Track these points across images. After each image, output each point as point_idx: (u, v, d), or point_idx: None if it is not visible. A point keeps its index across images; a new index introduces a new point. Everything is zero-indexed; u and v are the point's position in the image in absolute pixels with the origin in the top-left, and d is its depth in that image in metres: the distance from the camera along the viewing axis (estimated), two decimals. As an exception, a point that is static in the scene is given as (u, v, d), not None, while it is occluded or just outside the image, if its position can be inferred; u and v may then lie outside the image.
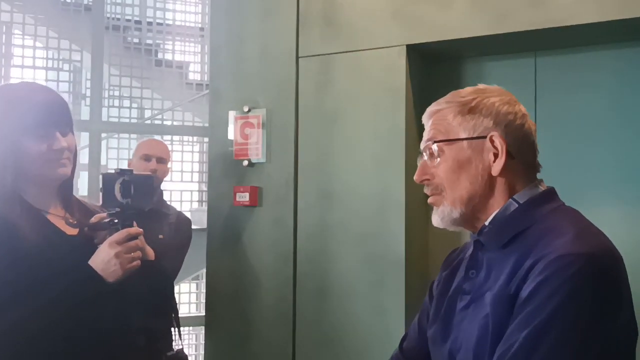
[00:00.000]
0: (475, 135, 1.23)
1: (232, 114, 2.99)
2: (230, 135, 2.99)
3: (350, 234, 2.70)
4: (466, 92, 1.28)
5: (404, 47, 2.62)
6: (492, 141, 1.22)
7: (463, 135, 1.24)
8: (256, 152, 2.92)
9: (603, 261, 1.10)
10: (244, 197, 2.90)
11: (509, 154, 1.21)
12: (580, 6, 2.32)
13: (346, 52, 2.75)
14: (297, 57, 2.86)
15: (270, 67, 2.92)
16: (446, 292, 1.31)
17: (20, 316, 1.48)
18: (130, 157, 3.23)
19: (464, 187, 1.23)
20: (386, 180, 2.61)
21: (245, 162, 2.92)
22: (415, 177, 1.31)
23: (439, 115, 1.28)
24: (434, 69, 2.82)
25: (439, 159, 1.26)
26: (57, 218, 1.65)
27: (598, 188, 2.51)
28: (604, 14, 2.28)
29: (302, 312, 2.79)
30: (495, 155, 1.22)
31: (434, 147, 1.26)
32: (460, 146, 1.24)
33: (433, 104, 1.31)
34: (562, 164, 2.56)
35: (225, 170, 3.00)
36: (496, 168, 1.22)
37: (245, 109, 2.94)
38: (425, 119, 1.31)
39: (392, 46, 2.65)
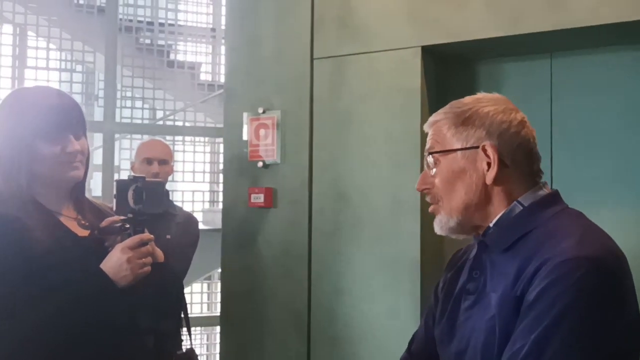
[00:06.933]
0: (468, 146, 1.26)
1: (246, 115, 3.00)
2: (245, 136, 3.00)
3: (365, 236, 2.70)
4: (462, 103, 1.32)
5: (419, 48, 2.62)
6: (484, 151, 1.25)
7: (457, 146, 1.28)
8: (271, 153, 2.93)
9: (608, 264, 1.11)
10: (258, 199, 2.91)
11: (502, 163, 1.24)
12: (596, 7, 2.31)
13: (361, 53, 2.75)
14: (312, 59, 2.86)
15: (285, 69, 2.93)
16: (451, 292, 1.34)
17: (33, 317, 1.50)
18: (133, 159, 3.19)
19: (460, 196, 1.27)
20: (401, 181, 2.61)
21: (260, 164, 2.93)
22: (416, 187, 1.36)
23: (436, 126, 1.32)
24: (449, 70, 2.81)
25: (435, 170, 1.30)
26: (69, 220, 1.67)
27: (615, 189, 2.50)
28: (621, 15, 2.27)
29: (317, 313, 2.80)
30: (489, 165, 1.24)
31: (430, 158, 1.31)
32: (454, 157, 1.28)
33: (433, 115, 1.35)
34: (578, 166, 2.56)
35: (240, 171, 3.01)
36: (489, 177, 1.24)
37: (260, 110, 2.95)
38: (427, 129, 1.36)
39: (407, 47, 2.65)
